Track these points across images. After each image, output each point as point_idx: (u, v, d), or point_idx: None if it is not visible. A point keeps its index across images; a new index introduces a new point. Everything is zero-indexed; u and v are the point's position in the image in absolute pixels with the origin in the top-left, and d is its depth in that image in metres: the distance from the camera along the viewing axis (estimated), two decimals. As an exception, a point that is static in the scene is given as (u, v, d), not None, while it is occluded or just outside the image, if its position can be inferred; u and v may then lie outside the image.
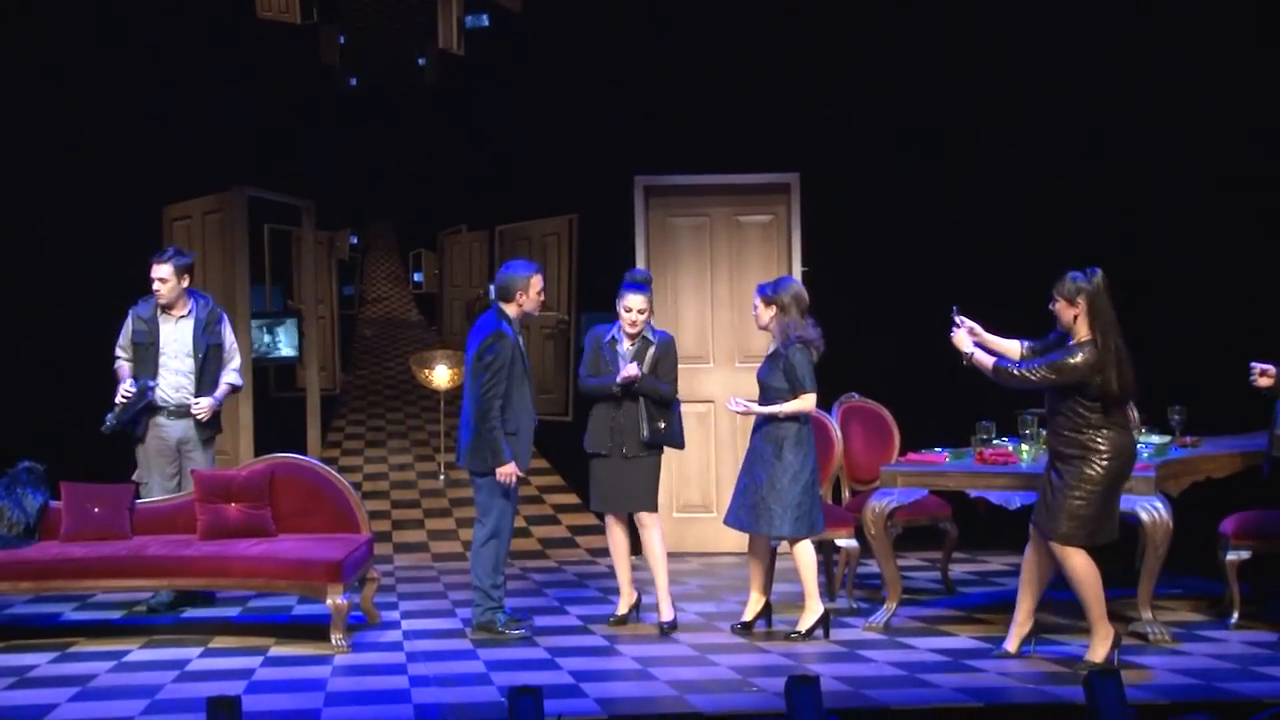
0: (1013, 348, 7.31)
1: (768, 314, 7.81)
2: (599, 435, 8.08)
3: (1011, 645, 7.25)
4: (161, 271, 8.66)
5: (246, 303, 11.91)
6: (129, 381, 8.62)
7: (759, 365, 7.97)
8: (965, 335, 7.26)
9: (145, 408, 8.61)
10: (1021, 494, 7.51)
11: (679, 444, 8.21)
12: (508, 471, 7.79)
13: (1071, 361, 6.80)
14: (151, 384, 8.64)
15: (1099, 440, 6.86)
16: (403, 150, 25.73)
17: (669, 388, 8.03)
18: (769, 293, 7.83)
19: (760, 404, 7.83)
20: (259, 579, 7.85)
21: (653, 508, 8.12)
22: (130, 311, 8.74)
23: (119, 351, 8.72)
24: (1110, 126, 10.62)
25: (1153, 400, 8.68)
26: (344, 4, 20.76)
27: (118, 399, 8.57)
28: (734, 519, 7.92)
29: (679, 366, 8.22)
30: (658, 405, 8.02)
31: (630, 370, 7.93)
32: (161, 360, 8.67)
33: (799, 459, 7.70)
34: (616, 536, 8.24)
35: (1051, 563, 7.12)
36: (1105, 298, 6.89)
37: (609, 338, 8.13)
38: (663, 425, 8.03)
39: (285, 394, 14.44)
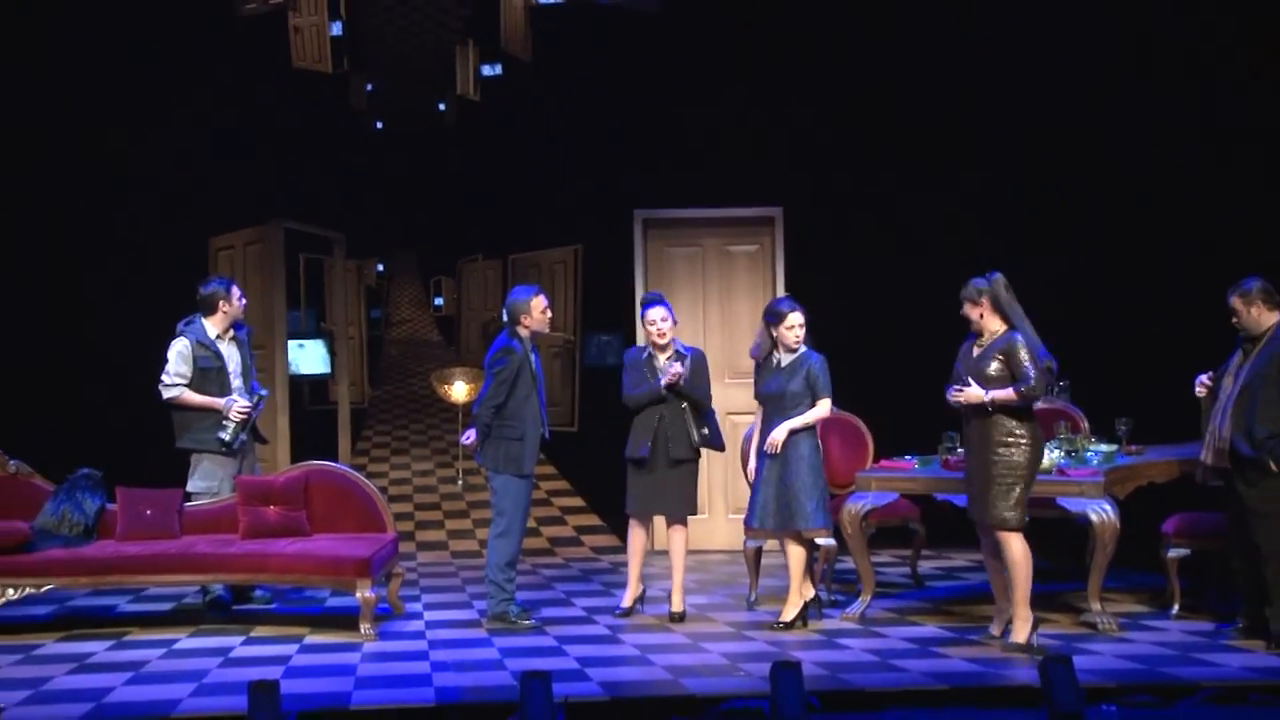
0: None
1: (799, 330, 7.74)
2: (640, 442, 8.01)
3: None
4: (243, 298, 8.72)
5: (284, 324, 11.94)
6: (244, 397, 8.49)
7: (769, 379, 7.79)
8: (970, 391, 7.12)
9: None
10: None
11: (721, 446, 8.21)
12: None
13: (1026, 349, 6.99)
14: (265, 393, 8.64)
15: (1021, 431, 7.05)
16: (424, 186, 25.76)
17: (705, 394, 8.07)
18: (783, 313, 7.76)
19: (768, 411, 7.77)
20: (295, 574, 7.85)
21: (692, 512, 8.17)
22: (187, 340, 8.43)
23: (177, 379, 8.37)
24: (1062, 161, 10.66)
25: (1102, 413, 8.73)
26: (372, 55, 20.81)
27: (233, 415, 8.36)
28: (770, 523, 7.72)
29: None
30: (697, 413, 8.04)
31: (675, 368, 7.91)
32: (230, 379, 8.55)
33: (816, 456, 7.70)
34: (639, 537, 8.19)
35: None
36: (1008, 293, 7.11)
37: (645, 355, 8.14)
38: (706, 431, 8.06)
39: (318, 407, 14.46)
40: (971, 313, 7.18)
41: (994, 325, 7.13)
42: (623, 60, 12.18)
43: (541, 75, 14.48)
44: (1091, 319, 10.36)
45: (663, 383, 7.95)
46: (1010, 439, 7.06)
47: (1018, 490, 7.06)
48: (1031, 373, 6.97)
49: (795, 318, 7.74)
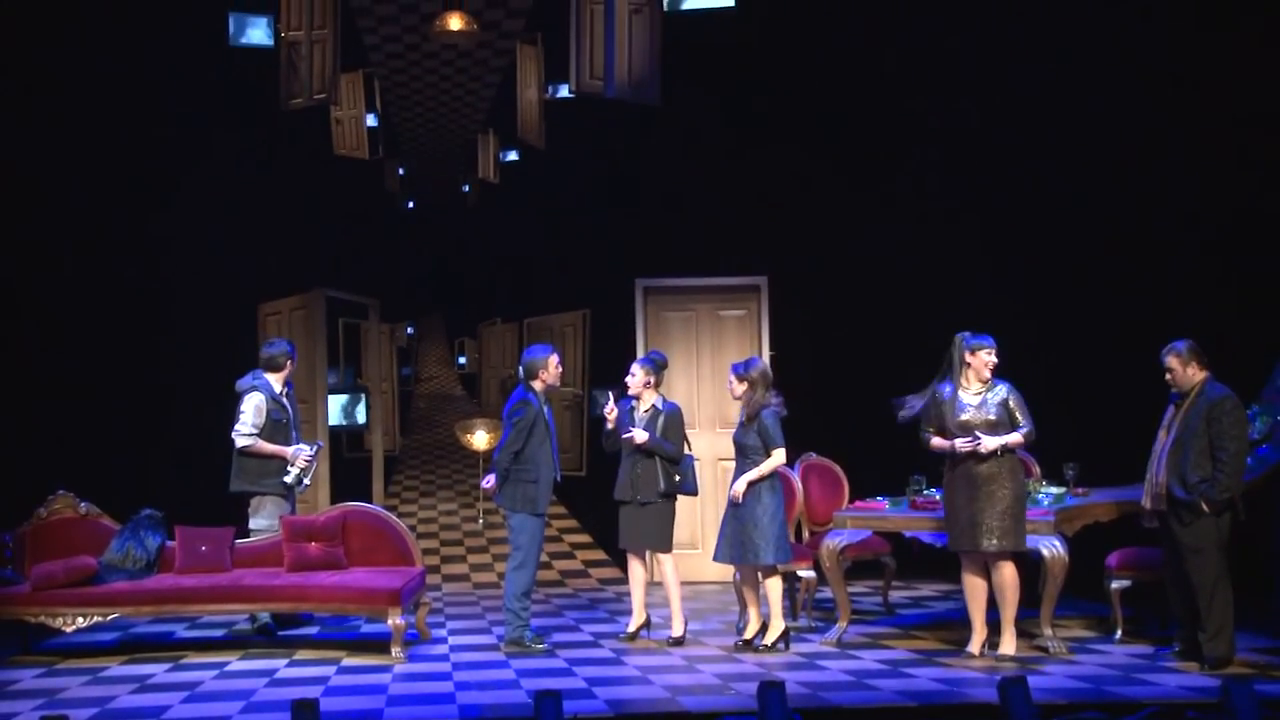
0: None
1: (741, 388, 7.82)
2: (621, 485, 8.06)
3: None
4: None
5: (325, 380, 11.96)
6: (308, 447, 8.54)
7: (737, 431, 7.89)
8: (987, 442, 7.19)
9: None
10: (946, 535, 7.51)
11: (693, 492, 8.13)
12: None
13: (1018, 399, 7.30)
14: (320, 444, 8.70)
15: (1018, 469, 7.29)
16: (449, 258, 25.87)
17: (673, 447, 8.00)
18: (741, 371, 7.84)
19: (736, 460, 7.81)
20: (334, 603, 7.82)
21: (666, 548, 8.04)
22: (262, 395, 8.43)
23: (252, 429, 8.37)
24: (1016, 223, 10.65)
25: (1051, 459, 8.72)
26: (403, 143, 20.96)
27: (300, 463, 8.42)
28: (726, 556, 7.78)
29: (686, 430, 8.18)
30: (670, 462, 8.01)
31: (634, 436, 7.94)
32: (291, 430, 8.61)
33: (774, 501, 7.69)
34: (635, 569, 8.17)
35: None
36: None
37: (629, 406, 8.13)
38: (678, 478, 8.01)
39: (355, 454, 14.44)
40: (981, 362, 7.32)
41: (986, 375, 7.32)
42: (626, 147, 12.26)
43: (554, 160, 14.59)
44: (1042, 375, 10.34)
45: (622, 437, 7.97)
46: (1009, 475, 7.22)
47: (1019, 519, 7.22)
48: (1028, 421, 7.24)
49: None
